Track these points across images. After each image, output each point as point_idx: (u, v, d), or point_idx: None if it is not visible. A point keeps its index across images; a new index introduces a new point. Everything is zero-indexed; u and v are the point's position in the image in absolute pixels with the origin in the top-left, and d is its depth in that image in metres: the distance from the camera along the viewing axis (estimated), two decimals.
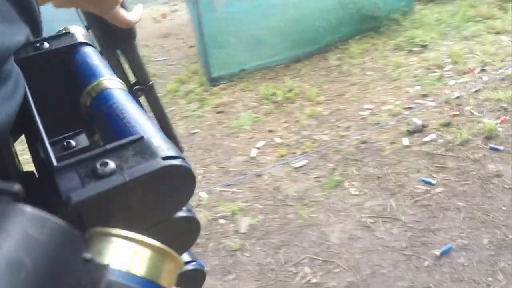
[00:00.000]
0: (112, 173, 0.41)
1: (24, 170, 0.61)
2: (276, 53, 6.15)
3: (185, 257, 0.61)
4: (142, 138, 0.45)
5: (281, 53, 6.16)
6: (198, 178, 4.02)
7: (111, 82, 0.59)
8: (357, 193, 3.43)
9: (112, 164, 0.42)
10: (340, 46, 6.21)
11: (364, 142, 4.02)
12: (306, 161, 3.93)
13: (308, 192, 3.55)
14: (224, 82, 5.90)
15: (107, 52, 1.01)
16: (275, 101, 5.13)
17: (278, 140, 4.35)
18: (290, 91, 5.19)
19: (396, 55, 5.66)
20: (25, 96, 0.56)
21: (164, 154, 0.43)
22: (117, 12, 0.83)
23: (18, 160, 0.58)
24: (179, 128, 4.94)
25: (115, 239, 0.38)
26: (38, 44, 0.65)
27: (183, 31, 7.60)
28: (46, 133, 0.51)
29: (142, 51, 7.38)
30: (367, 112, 4.53)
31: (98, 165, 0.42)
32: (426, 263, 2.71)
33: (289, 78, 5.57)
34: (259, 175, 3.88)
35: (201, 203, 3.63)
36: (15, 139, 0.60)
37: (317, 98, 5.00)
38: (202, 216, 3.47)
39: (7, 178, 0.43)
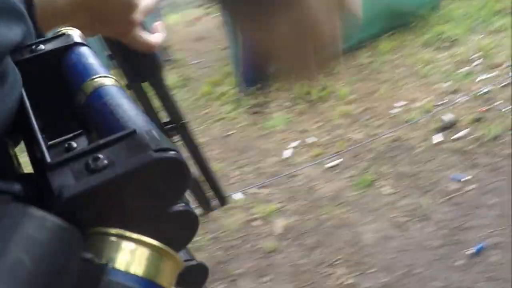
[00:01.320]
0: (104, 167, 0.41)
1: (24, 171, 0.60)
2: None
3: (184, 255, 0.61)
4: (134, 132, 0.45)
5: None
6: (233, 179, 4.08)
7: (104, 80, 0.59)
8: (389, 192, 3.46)
9: (104, 159, 0.42)
10: (370, 44, 6.20)
11: (396, 140, 4.04)
12: (339, 161, 3.96)
13: (341, 192, 3.59)
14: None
15: (134, 86, 0.94)
16: (309, 100, 5.15)
17: (311, 140, 4.38)
18: (323, 90, 5.21)
19: (425, 52, 5.63)
20: (22, 99, 0.56)
21: (156, 147, 0.43)
22: (135, 35, 0.76)
23: (18, 162, 0.58)
24: (214, 130, 5.02)
25: (114, 238, 0.38)
26: (33, 47, 0.65)
27: (216, 34, 7.61)
28: (46, 135, 0.52)
29: (176, 54, 7.48)
30: (398, 109, 4.53)
31: (90, 161, 0.42)
32: (459, 262, 2.74)
33: (322, 77, 5.57)
34: (293, 176, 3.93)
35: (236, 205, 3.69)
36: (16, 144, 0.60)
37: (349, 96, 5.01)
38: (237, 218, 3.54)
39: (6, 178, 0.44)
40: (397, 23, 6.37)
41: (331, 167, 3.92)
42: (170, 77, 6.34)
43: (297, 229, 3.32)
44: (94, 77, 0.59)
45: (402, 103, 4.61)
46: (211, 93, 5.89)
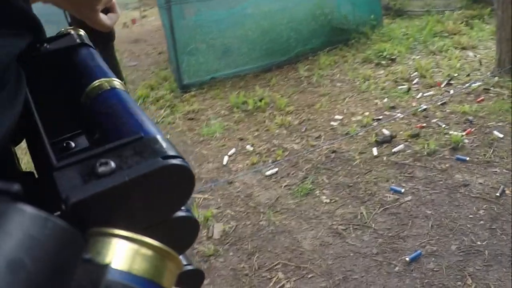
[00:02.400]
0: (111, 172, 0.41)
1: (24, 170, 0.61)
2: (246, 62, 6.20)
3: (182, 260, 0.59)
4: (141, 137, 0.45)
5: (252, 62, 6.21)
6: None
7: (110, 83, 0.59)
8: (328, 201, 3.49)
9: (111, 164, 0.42)
10: (310, 57, 6.30)
11: (334, 152, 4.09)
12: (277, 169, 3.97)
13: (280, 199, 3.60)
14: (195, 89, 5.91)
15: None
16: (246, 109, 5.17)
17: (249, 148, 4.38)
18: (260, 100, 5.23)
19: (364, 68, 5.78)
20: (25, 97, 0.56)
21: (163, 154, 0.43)
22: (94, 16, 0.84)
23: (18, 161, 0.58)
24: None
25: (115, 239, 0.38)
26: (38, 45, 0.65)
27: (153, 38, 7.59)
28: (46, 134, 0.52)
29: None
30: (336, 122, 4.61)
31: (97, 165, 0.42)
32: (396, 268, 2.78)
33: (259, 87, 5.61)
34: (230, 182, 3.91)
35: None
36: (17, 143, 0.60)
37: (287, 108, 5.06)
38: None
39: (7, 178, 0.41)
40: (338, 39, 6.52)
41: (270, 175, 3.92)
42: None
43: (235, 235, 3.29)
44: (101, 79, 0.59)
45: (341, 116, 4.69)
46: (147, 96, 5.82)
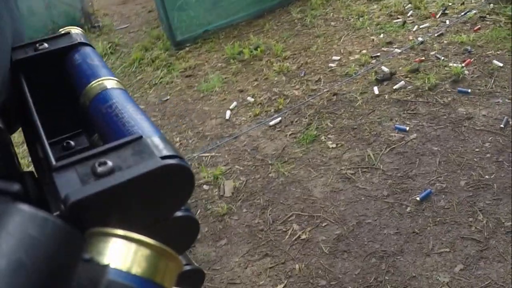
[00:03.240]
0: (110, 172, 0.42)
1: (24, 170, 0.61)
2: (238, 11, 6.10)
3: (182, 260, 0.61)
4: (140, 137, 0.46)
5: (243, 10, 6.11)
6: (176, 146, 4.04)
7: (109, 82, 0.60)
8: (334, 145, 3.51)
9: (110, 164, 0.43)
10: None
11: (335, 94, 4.08)
12: (281, 118, 3.97)
13: (286, 149, 3.61)
14: (189, 45, 5.84)
15: None
16: (242, 59, 5.12)
17: (250, 99, 4.37)
18: (256, 48, 5.17)
19: (358, 4, 5.67)
20: (25, 96, 0.57)
21: (162, 154, 0.44)
22: None
23: (18, 161, 0.58)
24: (150, 97, 4.92)
25: (115, 239, 0.38)
26: (37, 45, 0.66)
27: None
28: (45, 133, 0.52)
29: (104, 20, 7.27)
30: (335, 63, 4.57)
31: (97, 165, 0.42)
32: (408, 209, 2.82)
33: (253, 35, 5.55)
34: (236, 137, 3.92)
35: None
36: (13, 131, 0.60)
37: (284, 53, 5.01)
38: None
39: (7, 178, 0.43)
40: None
41: (274, 125, 3.92)
42: (99, 45, 6.16)
43: (246, 190, 3.32)
44: (100, 79, 0.60)
45: (339, 56, 4.65)
46: (142, 58, 5.76)
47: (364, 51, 4.61)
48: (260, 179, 3.39)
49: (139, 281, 0.36)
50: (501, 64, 3.88)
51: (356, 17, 5.34)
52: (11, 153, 0.55)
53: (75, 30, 0.71)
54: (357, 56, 4.56)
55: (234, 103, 4.37)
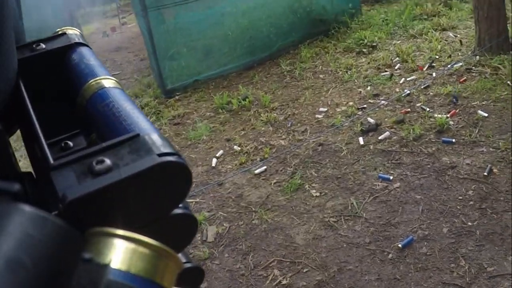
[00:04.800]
0: (108, 170, 0.42)
1: (23, 171, 0.60)
2: (228, 62, 6.20)
3: (182, 258, 0.60)
4: (138, 135, 0.45)
5: (233, 61, 6.21)
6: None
7: (106, 81, 0.59)
8: (318, 194, 3.50)
9: (108, 162, 0.42)
10: (291, 51, 6.31)
11: (321, 145, 4.10)
12: (266, 167, 3.98)
13: (270, 197, 3.60)
14: (178, 93, 5.91)
15: None
16: (231, 109, 5.17)
17: (236, 148, 4.38)
18: (244, 99, 5.23)
19: (346, 57, 5.79)
20: (22, 96, 0.56)
21: (159, 151, 0.43)
22: None
23: (16, 161, 0.57)
24: None
25: (114, 239, 0.38)
26: (34, 46, 0.65)
27: (134, 44, 7.56)
28: (43, 134, 0.52)
29: None
30: (321, 115, 4.61)
31: (94, 163, 0.42)
32: (390, 256, 2.79)
33: (242, 86, 5.62)
34: (221, 184, 3.91)
35: None
36: (11, 132, 0.60)
37: (272, 104, 5.06)
38: None
39: (6, 178, 0.42)
40: (318, 30, 6.52)
41: (259, 173, 3.92)
42: None
43: (229, 236, 3.29)
44: (97, 78, 0.60)
45: (326, 108, 4.70)
46: None
47: (351, 103, 4.66)
48: (243, 226, 3.36)
49: (139, 281, 0.36)
50: (486, 114, 3.93)
51: (345, 70, 5.43)
52: (9, 154, 0.55)
53: (71, 31, 0.71)
54: (344, 108, 4.61)
55: (221, 151, 4.38)
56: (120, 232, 0.38)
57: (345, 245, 2.96)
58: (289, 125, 4.57)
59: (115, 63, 7.64)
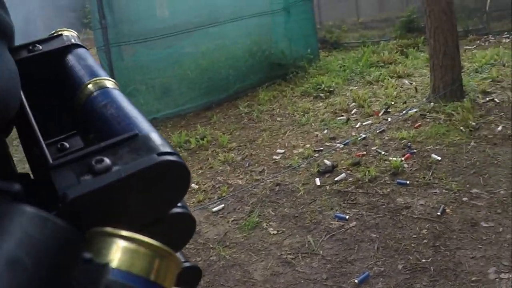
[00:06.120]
0: (108, 169, 0.42)
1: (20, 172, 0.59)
2: (187, 101, 6.23)
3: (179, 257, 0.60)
4: (136, 135, 0.46)
5: (192, 101, 6.24)
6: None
7: (104, 82, 0.59)
8: (275, 232, 3.52)
9: (107, 161, 0.42)
10: (250, 94, 6.38)
11: (278, 184, 4.15)
12: (223, 205, 3.99)
13: (228, 234, 3.61)
14: None
15: None
16: (189, 148, 5.18)
17: (194, 186, 4.39)
18: (203, 138, 5.26)
19: (304, 101, 5.89)
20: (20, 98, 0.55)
21: (159, 150, 0.43)
22: None
23: (13, 163, 0.57)
24: None
25: (114, 239, 0.38)
26: (31, 47, 0.64)
27: None
28: (40, 135, 0.52)
29: None
30: (279, 156, 4.67)
31: (93, 162, 0.42)
32: None
33: (200, 126, 5.65)
34: None
35: None
36: (8, 132, 0.58)
37: (230, 144, 5.10)
38: None
39: (5, 178, 0.42)
40: (277, 74, 6.62)
41: (216, 211, 3.93)
42: None
43: None
44: (95, 79, 0.59)
45: (283, 150, 4.76)
46: None
47: (308, 145, 4.75)
48: (201, 262, 3.35)
49: (139, 281, 0.36)
50: (439, 158, 4.06)
51: (302, 113, 5.53)
52: (8, 154, 0.56)
53: (68, 32, 0.70)
54: (301, 150, 4.69)
55: None
56: (120, 232, 0.38)
57: (302, 281, 2.99)
58: (246, 165, 4.61)
59: None
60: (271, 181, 4.21)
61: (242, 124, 5.63)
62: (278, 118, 5.58)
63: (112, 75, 5.62)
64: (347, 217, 3.50)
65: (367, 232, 3.30)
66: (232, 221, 3.77)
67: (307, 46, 7.00)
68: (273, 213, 3.76)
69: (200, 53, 6.35)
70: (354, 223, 3.43)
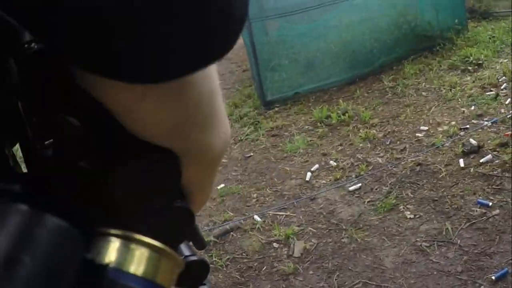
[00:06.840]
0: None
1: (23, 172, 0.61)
2: (330, 76, 6.16)
3: (185, 251, 0.59)
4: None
5: (335, 75, 6.16)
6: (252, 201, 4.05)
7: None
8: (412, 216, 3.39)
9: (103, 160, 0.42)
10: (394, 67, 6.17)
11: (419, 164, 3.98)
12: (361, 184, 3.91)
13: (363, 215, 3.53)
14: (278, 105, 5.93)
15: None
16: (329, 124, 5.13)
17: (332, 163, 4.34)
18: (344, 113, 5.17)
19: (450, 75, 5.59)
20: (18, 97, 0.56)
21: (154, 149, 0.43)
22: None
23: (16, 162, 0.57)
24: (234, 152, 5.00)
25: (114, 239, 0.38)
26: (26, 46, 0.65)
27: (237, 55, 7.65)
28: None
29: None
30: (422, 133, 4.48)
31: (91, 161, 0.42)
32: (482, 287, 2.66)
33: (343, 101, 5.56)
34: (313, 199, 3.88)
35: (255, 227, 3.65)
36: (13, 144, 0.60)
37: (372, 120, 4.97)
38: (255, 239, 3.50)
39: (5, 178, 0.43)
40: (423, 46, 6.35)
41: (353, 190, 3.86)
42: None
43: (316, 252, 3.26)
44: None
45: (427, 127, 4.55)
46: (231, 114, 5.87)
47: (453, 123, 4.49)
48: (331, 243, 3.32)
49: (139, 281, 0.37)
50: None
51: (448, 88, 5.24)
52: (6, 154, 0.56)
53: None
54: (445, 127, 4.45)
55: (316, 166, 4.35)
56: (120, 232, 0.38)
57: (435, 273, 2.85)
58: (388, 143, 4.47)
59: (218, 73, 7.79)
60: (412, 161, 4.05)
61: (385, 99, 5.45)
62: (423, 93, 5.33)
63: (254, 51, 5.72)
64: (490, 204, 3.27)
65: (511, 222, 3.06)
66: (368, 202, 3.68)
67: (455, 17, 6.58)
68: (411, 195, 3.62)
69: (344, 26, 6.23)
70: (498, 211, 3.20)
